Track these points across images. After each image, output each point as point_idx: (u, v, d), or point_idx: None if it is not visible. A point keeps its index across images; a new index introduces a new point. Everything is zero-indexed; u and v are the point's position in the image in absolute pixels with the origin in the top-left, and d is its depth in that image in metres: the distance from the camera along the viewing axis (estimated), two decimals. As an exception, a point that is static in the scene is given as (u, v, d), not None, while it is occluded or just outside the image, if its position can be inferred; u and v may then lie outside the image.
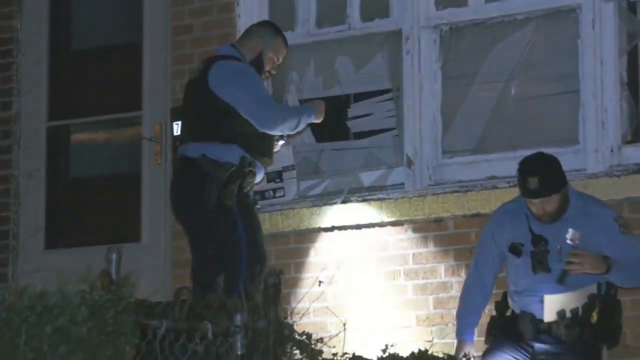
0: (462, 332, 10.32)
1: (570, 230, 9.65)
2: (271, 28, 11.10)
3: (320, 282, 11.54)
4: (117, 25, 13.31)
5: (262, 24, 11.29)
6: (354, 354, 8.86)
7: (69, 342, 6.85)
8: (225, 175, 10.28)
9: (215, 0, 12.36)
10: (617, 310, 9.79)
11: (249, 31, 11.11)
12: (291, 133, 10.59)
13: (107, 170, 13.33)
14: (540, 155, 10.16)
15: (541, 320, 9.71)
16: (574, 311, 9.56)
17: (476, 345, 10.34)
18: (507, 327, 9.94)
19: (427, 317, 10.83)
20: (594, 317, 9.53)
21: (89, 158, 13.37)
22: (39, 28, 13.24)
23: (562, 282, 9.72)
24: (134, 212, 12.62)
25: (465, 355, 10.13)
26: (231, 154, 10.31)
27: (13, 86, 13.11)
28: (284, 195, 11.53)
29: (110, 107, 13.07)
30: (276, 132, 10.52)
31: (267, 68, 10.78)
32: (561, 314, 9.59)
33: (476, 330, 10.34)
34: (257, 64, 10.68)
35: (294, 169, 11.10)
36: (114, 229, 12.52)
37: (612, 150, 11.12)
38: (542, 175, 9.78)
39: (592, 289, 9.63)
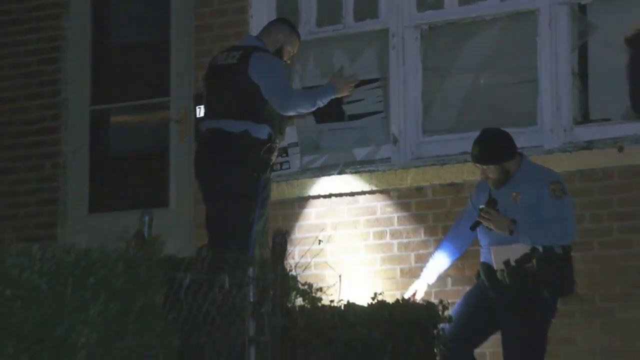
0: (422, 274, 10.42)
1: (512, 194, 9.81)
2: (290, 26, 11.12)
3: (320, 241, 11.55)
4: (148, 25, 13.29)
5: (282, 22, 11.25)
6: (348, 300, 8.87)
7: (108, 292, 6.86)
8: (262, 150, 10.38)
9: (231, 3, 12.34)
10: (563, 263, 9.80)
11: (270, 27, 11.09)
12: (312, 110, 10.65)
13: (141, 146, 13.32)
14: (491, 130, 10.33)
15: (493, 269, 9.75)
16: (518, 260, 9.59)
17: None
18: (477, 276, 9.97)
19: (409, 270, 10.83)
20: (534, 264, 9.56)
21: (125, 136, 13.36)
22: (82, 26, 13.20)
23: (473, 230, 10.04)
24: (163, 182, 12.60)
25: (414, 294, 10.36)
26: (262, 133, 10.40)
27: (61, 76, 13.07)
28: (289, 168, 11.51)
29: (143, 93, 13.05)
30: (293, 114, 10.65)
31: (285, 58, 10.85)
32: (506, 262, 9.62)
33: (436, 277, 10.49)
34: (279, 55, 10.74)
35: (297, 146, 11.11)
36: (146, 196, 12.50)
37: (565, 130, 11.14)
38: (483, 146, 10.00)
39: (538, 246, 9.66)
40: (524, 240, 9.70)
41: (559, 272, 9.74)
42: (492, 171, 10.07)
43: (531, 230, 9.72)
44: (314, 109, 10.62)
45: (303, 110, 10.63)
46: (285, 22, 11.21)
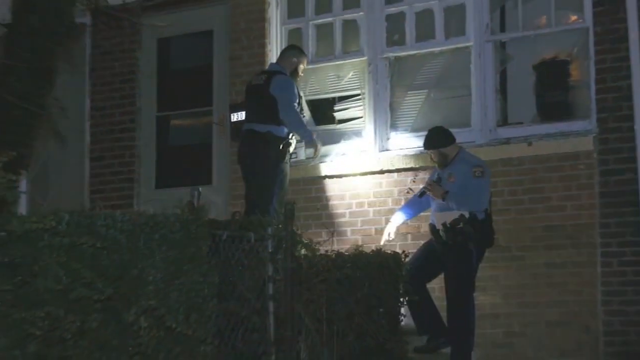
0: (390, 222, 10.63)
1: (447, 172, 10.06)
2: (298, 49, 11.24)
3: (318, 208, 11.56)
4: (197, 55, 13.24)
5: (292, 47, 11.31)
6: (337, 250, 8.85)
7: (168, 244, 6.84)
8: (282, 144, 10.49)
9: (255, 40, 12.29)
10: (484, 225, 9.89)
11: (285, 53, 11.13)
12: (293, 129, 10.60)
13: (192, 141, 13.29)
14: (434, 127, 10.57)
15: (436, 228, 9.83)
16: (451, 222, 9.65)
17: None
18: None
19: (381, 230, 10.77)
20: (462, 225, 9.64)
21: (180, 134, 13.33)
22: (150, 57, 13.14)
23: (420, 197, 10.31)
24: (207, 166, 12.58)
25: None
26: (282, 132, 10.52)
27: (136, 91, 13.04)
28: (296, 157, 11.44)
29: (193, 103, 13.02)
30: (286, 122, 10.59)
31: (300, 73, 11.01)
32: (444, 224, 9.71)
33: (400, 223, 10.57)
34: (294, 73, 10.84)
35: (300, 120, 10.99)
36: (196, 176, 12.47)
37: (490, 130, 11.14)
38: (426, 137, 10.42)
39: (465, 212, 9.75)
40: (452, 205, 9.82)
41: (481, 231, 9.80)
42: (434, 155, 10.29)
43: (456, 199, 9.82)
44: (294, 131, 10.59)
45: (290, 125, 10.57)
46: (295, 47, 11.33)
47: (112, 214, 6.67)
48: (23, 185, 11.87)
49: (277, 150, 10.54)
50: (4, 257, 5.93)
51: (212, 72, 12.86)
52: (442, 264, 9.95)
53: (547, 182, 10.71)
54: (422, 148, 10.68)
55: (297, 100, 10.69)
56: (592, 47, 10.68)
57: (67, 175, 13.24)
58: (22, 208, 11.72)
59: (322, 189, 11.68)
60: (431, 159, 10.45)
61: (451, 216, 9.81)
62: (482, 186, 10.06)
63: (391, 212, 10.89)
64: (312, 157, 11.03)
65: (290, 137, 10.58)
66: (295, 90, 10.71)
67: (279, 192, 10.55)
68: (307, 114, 11.33)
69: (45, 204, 12.20)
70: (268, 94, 10.58)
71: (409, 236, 10.74)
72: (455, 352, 9.82)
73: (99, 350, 6.32)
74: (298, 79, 10.98)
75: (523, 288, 10.69)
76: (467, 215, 9.76)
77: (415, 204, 10.58)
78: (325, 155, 11.78)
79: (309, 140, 10.75)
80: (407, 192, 11.07)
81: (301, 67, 11.02)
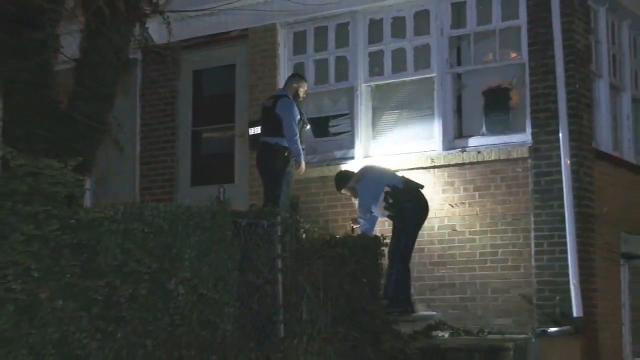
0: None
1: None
2: (299, 76, 11.31)
3: (316, 202, 11.51)
4: (222, 83, 13.17)
5: (294, 75, 11.37)
6: (331, 234, 8.84)
7: (201, 229, 6.85)
8: (286, 152, 10.56)
9: (269, 72, 12.22)
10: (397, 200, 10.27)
11: (288, 81, 11.19)
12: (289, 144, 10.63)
13: (219, 150, 13.21)
14: (337, 173, 11.09)
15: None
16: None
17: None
18: None
19: (349, 219, 10.74)
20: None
21: (211, 145, 13.29)
22: (187, 84, 13.11)
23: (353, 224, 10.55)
24: (230, 169, 12.55)
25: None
26: (285, 143, 10.52)
27: (175, 111, 13.03)
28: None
29: (220, 120, 12.96)
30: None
31: (301, 95, 11.01)
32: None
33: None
34: (295, 97, 10.84)
35: (304, 150, 10.95)
36: (222, 176, 12.39)
37: (449, 142, 11.08)
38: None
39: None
40: (359, 215, 10.49)
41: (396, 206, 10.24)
42: (346, 191, 10.88)
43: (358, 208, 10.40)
44: (289, 146, 10.56)
45: (288, 141, 10.57)
46: (296, 74, 11.43)
47: (157, 206, 6.68)
48: (88, 183, 11.86)
49: (283, 157, 10.61)
50: (74, 239, 5.94)
51: (235, 97, 12.79)
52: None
53: (493, 182, 10.68)
54: (396, 153, 10.76)
55: (298, 118, 10.71)
56: (528, 77, 10.66)
57: (123, 176, 13.21)
58: (88, 201, 11.73)
59: (319, 187, 11.61)
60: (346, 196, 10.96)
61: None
62: (361, 195, 10.53)
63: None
64: (297, 171, 10.88)
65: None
66: (295, 111, 10.70)
67: (286, 189, 10.57)
68: (308, 126, 11.26)
69: (106, 199, 12.17)
70: (275, 113, 10.65)
71: (386, 224, 10.67)
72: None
73: (147, 311, 6.32)
74: (300, 99, 10.98)
75: (474, 263, 10.66)
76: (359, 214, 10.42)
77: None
78: (322, 161, 11.77)
79: (297, 158, 10.69)
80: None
81: (301, 90, 11.04)
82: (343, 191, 10.89)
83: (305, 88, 11.17)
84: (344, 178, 10.86)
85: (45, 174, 5.88)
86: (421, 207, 10.39)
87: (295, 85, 11.01)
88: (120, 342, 6.09)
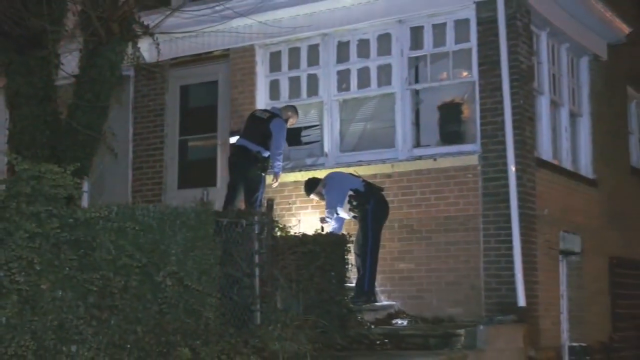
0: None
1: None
2: (294, 109, 11.33)
3: (289, 203, 11.49)
4: (207, 97, 13.12)
5: (294, 107, 11.38)
6: (302, 232, 8.82)
7: (186, 227, 6.80)
8: (266, 162, 10.57)
9: (247, 87, 12.20)
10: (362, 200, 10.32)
11: (285, 108, 11.30)
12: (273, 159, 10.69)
13: (202, 157, 13.13)
14: (306, 180, 11.05)
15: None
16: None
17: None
18: None
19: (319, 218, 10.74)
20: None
21: (196, 152, 13.18)
22: (174, 97, 13.04)
23: (322, 222, 10.58)
24: (213, 174, 12.48)
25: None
26: (266, 153, 10.63)
27: (164, 122, 13.00)
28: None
29: (204, 130, 12.90)
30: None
31: (291, 121, 11.14)
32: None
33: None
34: (287, 121, 10.95)
35: (281, 155, 10.90)
36: (206, 180, 12.35)
37: (408, 150, 11.11)
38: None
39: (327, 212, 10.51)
40: (327, 213, 10.49)
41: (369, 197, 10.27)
42: (314, 197, 10.92)
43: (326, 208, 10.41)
44: (272, 159, 10.62)
45: (272, 156, 10.63)
46: (295, 107, 11.39)
47: (147, 207, 6.64)
48: (85, 186, 11.78)
49: (263, 165, 10.63)
50: (72, 236, 5.90)
51: (217, 109, 12.73)
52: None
53: (446, 186, 10.70)
54: (361, 162, 10.79)
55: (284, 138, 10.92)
56: (478, 94, 10.70)
57: (117, 179, 13.13)
58: (85, 202, 11.65)
59: (292, 190, 11.58)
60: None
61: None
62: (327, 195, 10.58)
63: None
64: (272, 182, 10.91)
65: (269, 158, 10.66)
66: (285, 134, 10.85)
67: (262, 193, 10.56)
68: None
69: (101, 200, 12.10)
70: (267, 127, 10.67)
71: (351, 223, 10.66)
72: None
73: (138, 301, 6.29)
74: (287, 124, 11.02)
75: (429, 259, 10.69)
76: (326, 213, 10.46)
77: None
78: (294, 167, 11.75)
79: (276, 172, 10.74)
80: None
81: (291, 121, 11.19)
82: (312, 196, 10.91)
83: (294, 122, 11.29)
84: (312, 185, 10.87)
85: (46, 178, 5.85)
86: (382, 208, 10.41)
87: (289, 114, 11.15)
88: (114, 328, 6.06)
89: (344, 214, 10.48)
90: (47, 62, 9.83)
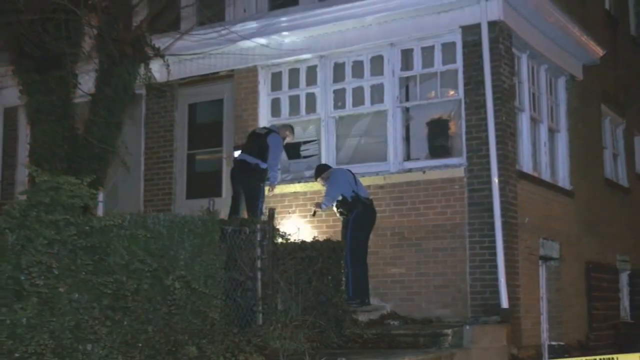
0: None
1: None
2: (291, 129, 11.36)
3: (289, 212, 11.47)
4: (212, 114, 13.11)
5: (291, 127, 11.42)
6: (302, 239, 8.81)
7: (193, 235, 6.79)
8: (264, 173, 10.59)
9: (250, 105, 12.18)
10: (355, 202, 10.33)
11: (283, 127, 11.31)
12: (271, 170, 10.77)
13: (209, 169, 13.09)
14: (318, 165, 11.13)
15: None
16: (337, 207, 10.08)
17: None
18: None
19: (328, 226, 10.74)
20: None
21: (202, 165, 13.15)
22: (183, 114, 13.02)
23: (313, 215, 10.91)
24: (219, 185, 12.44)
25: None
26: (264, 166, 10.64)
27: (174, 137, 12.96)
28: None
29: (210, 145, 12.85)
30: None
31: (288, 139, 11.19)
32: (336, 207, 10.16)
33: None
34: (283, 139, 10.96)
35: (278, 167, 10.96)
36: (212, 191, 12.31)
37: (399, 163, 11.10)
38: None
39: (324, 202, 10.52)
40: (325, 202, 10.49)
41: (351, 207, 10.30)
42: (320, 180, 10.80)
43: (325, 198, 10.41)
44: (269, 171, 10.71)
45: (269, 167, 10.68)
46: (289, 126, 11.43)
47: (157, 215, 6.64)
48: (100, 196, 11.78)
49: (262, 176, 10.65)
50: (88, 243, 5.90)
51: (222, 125, 12.70)
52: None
53: (435, 197, 10.69)
54: (356, 174, 10.77)
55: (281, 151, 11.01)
56: (463, 111, 10.70)
57: (129, 190, 13.11)
58: (100, 211, 11.65)
59: (292, 200, 11.58)
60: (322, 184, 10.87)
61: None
62: (329, 187, 10.53)
63: (332, 214, 10.82)
64: (269, 192, 10.94)
65: (267, 169, 10.68)
66: (282, 146, 10.93)
67: (262, 202, 10.57)
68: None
69: (115, 209, 12.09)
70: (265, 142, 10.69)
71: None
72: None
73: (149, 302, 6.28)
74: (284, 141, 11.07)
75: (419, 264, 10.67)
76: (324, 200, 10.45)
77: None
78: (294, 179, 11.74)
79: (272, 182, 10.81)
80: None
81: (288, 139, 11.23)
82: (318, 180, 10.88)
83: (291, 140, 11.39)
84: (319, 171, 10.90)
85: (64, 188, 5.86)
86: (365, 218, 10.38)
87: (287, 133, 11.21)
88: (126, 328, 6.05)
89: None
90: (66, 82, 9.86)
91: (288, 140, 11.23)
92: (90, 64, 10.30)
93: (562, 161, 12.76)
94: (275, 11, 12.20)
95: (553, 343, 11.55)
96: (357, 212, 10.29)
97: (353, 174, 10.64)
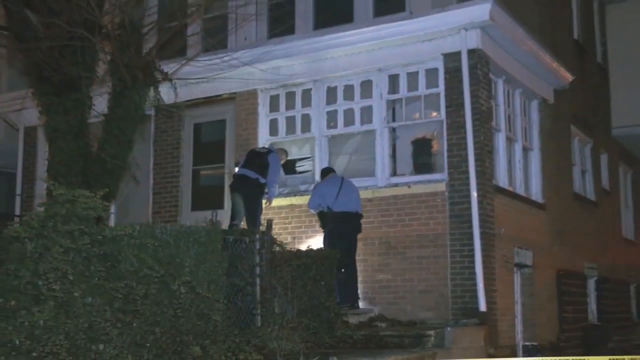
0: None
1: None
2: (285, 151, 11.47)
3: (286, 223, 11.44)
4: (216, 133, 13.08)
5: (281, 149, 11.46)
6: (297, 248, 8.79)
7: (198, 244, 6.77)
8: (263, 187, 10.59)
9: (251, 124, 12.19)
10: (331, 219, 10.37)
11: (282, 150, 11.39)
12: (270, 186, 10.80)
13: (212, 183, 13.06)
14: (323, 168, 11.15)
15: None
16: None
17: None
18: None
19: (320, 236, 10.72)
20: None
21: (206, 180, 13.14)
22: (189, 134, 13.02)
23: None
24: (221, 197, 12.43)
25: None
26: (263, 181, 10.62)
27: (180, 154, 12.92)
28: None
29: (214, 161, 12.84)
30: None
31: (283, 159, 11.25)
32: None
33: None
34: (279, 158, 10.96)
35: (277, 183, 10.97)
36: (215, 204, 12.28)
37: (386, 178, 11.08)
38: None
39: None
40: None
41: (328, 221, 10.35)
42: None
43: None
44: (268, 186, 10.74)
45: (269, 183, 10.71)
46: (283, 149, 11.51)
47: (165, 226, 6.63)
48: (112, 208, 11.75)
49: (261, 190, 10.61)
50: (101, 251, 5.88)
51: (225, 144, 12.70)
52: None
53: (419, 209, 10.68)
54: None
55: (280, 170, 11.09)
56: (445, 131, 10.71)
57: (139, 202, 13.07)
58: (112, 222, 11.61)
59: (289, 212, 11.55)
60: None
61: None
62: (313, 192, 10.68)
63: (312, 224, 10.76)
64: (266, 205, 10.92)
65: (266, 184, 10.69)
66: (280, 165, 10.98)
67: (260, 213, 10.56)
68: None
69: (126, 220, 12.05)
70: (265, 159, 10.71)
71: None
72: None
73: (156, 306, 6.25)
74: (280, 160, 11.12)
75: (404, 270, 10.65)
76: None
77: None
78: (290, 192, 11.71)
79: (270, 197, 10.82)
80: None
81: (283, 157, 11.28)
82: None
83: (284, 160, 11.43)
84: (322, 173, 11.07)
85: (79, 201, 5.84)
86: (337, 231, 10.30)
87: (283, 156, 11.30)
88: (136, 329, 6.02)
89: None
90: (81, 103, 9.85)
91: (282, 159, 11.28)
92: (104, 87, 10.30)
93: (535, 177, 12.77)
94: (273, 39, 12.25)
95: (527, 343, 11.52)
96: (329, 227, 10.30)
97: (350, 186, 10.61)
